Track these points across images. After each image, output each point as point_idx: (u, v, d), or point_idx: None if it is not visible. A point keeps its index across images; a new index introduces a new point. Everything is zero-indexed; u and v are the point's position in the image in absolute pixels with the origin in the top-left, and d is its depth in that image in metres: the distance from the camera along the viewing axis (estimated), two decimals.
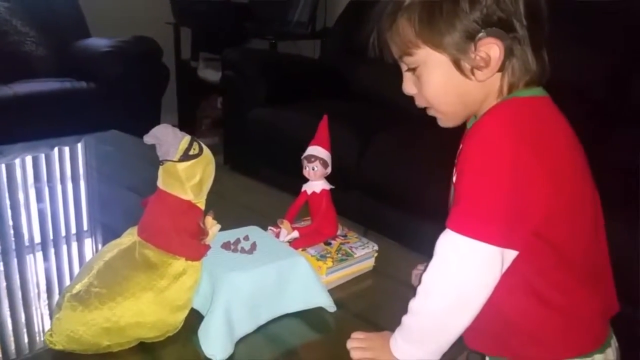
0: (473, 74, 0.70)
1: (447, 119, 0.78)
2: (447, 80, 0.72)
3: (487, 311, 0.71)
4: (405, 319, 0.74)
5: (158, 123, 0.75)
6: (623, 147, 1.88)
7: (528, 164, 0.66)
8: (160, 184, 0.75)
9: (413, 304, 0.73)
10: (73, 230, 1.19)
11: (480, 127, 0.70)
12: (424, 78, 0.74)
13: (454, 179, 0.76)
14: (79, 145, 1.74)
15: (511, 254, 0.69)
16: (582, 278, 0.75)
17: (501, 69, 0.70)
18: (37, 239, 1.12)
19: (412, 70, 0.75)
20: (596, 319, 0.77)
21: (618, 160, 1.71)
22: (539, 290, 0.73)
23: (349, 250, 0.98)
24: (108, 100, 2.59)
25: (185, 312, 0.79)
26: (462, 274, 0.69)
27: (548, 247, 0.71)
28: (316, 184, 1.00)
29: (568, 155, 0.72)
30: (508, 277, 0.70)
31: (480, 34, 0.68)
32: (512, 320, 0.75)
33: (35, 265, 1.03)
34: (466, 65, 0.70)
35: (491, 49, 0.68)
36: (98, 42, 2.82)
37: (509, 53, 0.69)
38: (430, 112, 0.78)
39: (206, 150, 0.76)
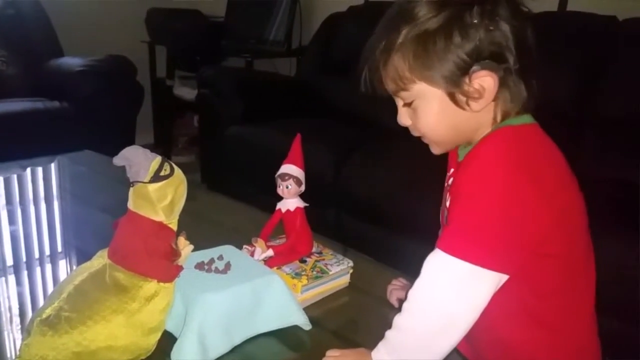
0: (468, 105, 0.71)
1: (440, 147, 0.79)
2: (442, 112, 0.73)
3: (487, 337, 0.73)
4: (389, 333, 0.74)
5: (133, 142, 0.74)
6: (591, 158, 1.92)
7: (523, 191, 0.67)
8: (130, 205, 0.75)
9: (398, 320, 0.73)
10: (46, 252, 1.17)
11: (477, 155, 0.71)
12: (420, 111, 0.75)
13: (447, 203, 0.77)
14: (52, 165, 1.72)
15: (502, 278, 0.70)
16: (580, 299, 0.77)
17: (495, 98, 0.72)
18: (9, 261, 1.10)
19: (408, 104, 0.76)
20: (593, 337, 0.79)
21: (589, 171, 1.75)
22: (538, 315, 0.75)
23: (324, 268, 0.98)
24: (81, 120, 2.56)
25: (158, 335, 0.78)
26: (449, 295, 0.69)
27: (547, 269, 0.73)
28: (290, 202, 1.00)
29: (561, 179, 0.74)
30: (507, 302, 0.72)
31: (475, 67, 0.69)
32: (512, 344, 0.77)
33: (7, 288, 1.01)
34: (461, 98, 0.71)
35: (485, 80, 0.70)
36: (71, 61, 2.79)
37: (501, 83, 0.70)
38: (425, 140, 0.80)
39: (177, 171, 0.76)
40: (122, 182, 0.77)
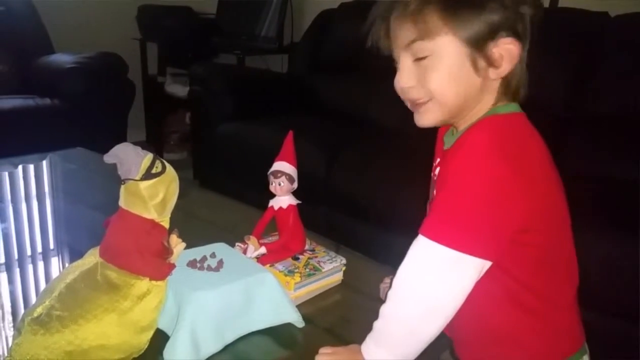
0: (486, 70, 0.72)
1: (436, 113, 0.76)
2: (458, 72, 0.72)
3: (473, 323, 0.73)
4: (376, 324, 0.74)
5: (124, 139, 0.74)
6: (579, 154, 1.94)
7: (506, 179, 0.68)
8: (122, 203, 0.74)
9: (384, 309, 0.73)
10: (37, 250, 1.17)
11: (464, 143, 0.71)
12: (434, 67, 0.72)
13: (434, 192, 0.77)
14: (44, 163, 1.71)
15: (485, 264, 0.70)
16: (561, 287, 0.78)
17: (507, 75, 0.73)
18: (1, 259, 1.09)
19: (420, 59, 0.73)
20: (575, 322, 0.80)
21: (576, 167, 1.76)
22: (522, 298, 0.75)
23: (317, 265, 0.98)
24: (73, 117, 2.55)
25: (150, 333, 0.77)
26: (433, 281, 0.70)
27: (528, 256, 0.73)
28: (283, 199, 1.00)
29: (543, 170, 0.74)
30: (491, 287, 0.72)
31: (503, 32, 0.70)
32: (496, 328, 0.77)
33: None
34: (482, 61, 0.71)
35: (510, 49, 0.71)
36: (62, 58, 2.77)
37: (520, 58, 0.72)
38: (419, 108, 0.76)
39: (169, 168, 0.75)
40: (114, 179, 0.76)
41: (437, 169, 0.82)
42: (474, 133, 0.72)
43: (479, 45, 0.70)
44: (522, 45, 0.72)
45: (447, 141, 0.80)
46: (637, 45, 2.00)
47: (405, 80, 0.75)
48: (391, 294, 0.73)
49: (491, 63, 0.71)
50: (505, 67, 0.71)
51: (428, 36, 0.71)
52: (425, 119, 0.77)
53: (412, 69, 0.74)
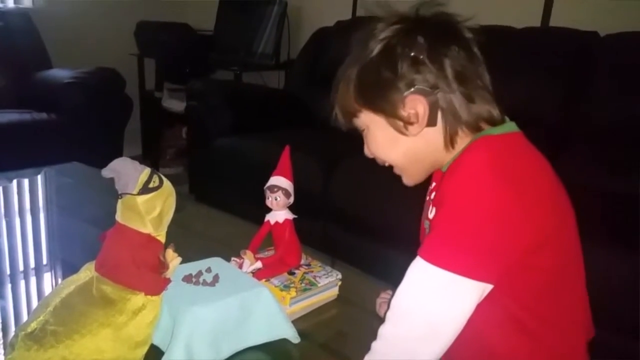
0: (407, 129, 0.75)
1: (407, 177, 0.83)
2: (388, 138, 0.78)
3: (468, 343, 0.72)
4: (374, 344, 0.73)
5: (121, 154, 0.74)
6: (575, 169, 1.94)
7: (505, 200, 0.67)
8: (118, 217, 0.74)
9: (382, 330, 0.73)
10: (31, 265, 1.16)
11: (460, 164, 0.71)
12: (370, 139, 0.81)
13: (431, 214, 0.77)
14: (39, 177, 1.71)
15: (486, 288, 0.69)
16: (567, 307, 0.77)
17: (432, 122, 0.74)
18: None
19: (362, 132, 0.81)
20: (580, 346, 0.79)
21: (574, 183, 1.76)
22: (523, 322, 0.74)
23: (313, 280, 0.98)
24: (69, 132, 2.55)
25: (145, 349, 0.77)
26: (431, 303, 0.69)
27: (536, 280, 0.73)
28: (279, 213, 1.00)
29: (546, 187, 0.74)
30: (491, 309, 0.71)
31: (405, 93, 0.73)
32: (493, 350, 0.76)
33: None
34: (398, 123, 0.75)
35: (417, 105, 0.73)
36: (60, 73, 2.78)
37: (435, 107, 0.74)
38: (395, 171, 0.83)
39: (166, 183, 0.75)
40: (110, 194, 0.76)
41: (433, 193, 0.82)
42: (471, 153, 0.72)
43: (391, 111, 0.75)
44: (436, 92, 0.73)
45: (446, 165, 0.80)
46: (626, 62, 2.03)
47: (366, 151, 0.84)
48: (389, 315, 0.72)
49: (407, 122, 0.75)
50: (422, 121, 0.74)
51: (354, 115, 0.80)
52: (405, 180, 0.84)
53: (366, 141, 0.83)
